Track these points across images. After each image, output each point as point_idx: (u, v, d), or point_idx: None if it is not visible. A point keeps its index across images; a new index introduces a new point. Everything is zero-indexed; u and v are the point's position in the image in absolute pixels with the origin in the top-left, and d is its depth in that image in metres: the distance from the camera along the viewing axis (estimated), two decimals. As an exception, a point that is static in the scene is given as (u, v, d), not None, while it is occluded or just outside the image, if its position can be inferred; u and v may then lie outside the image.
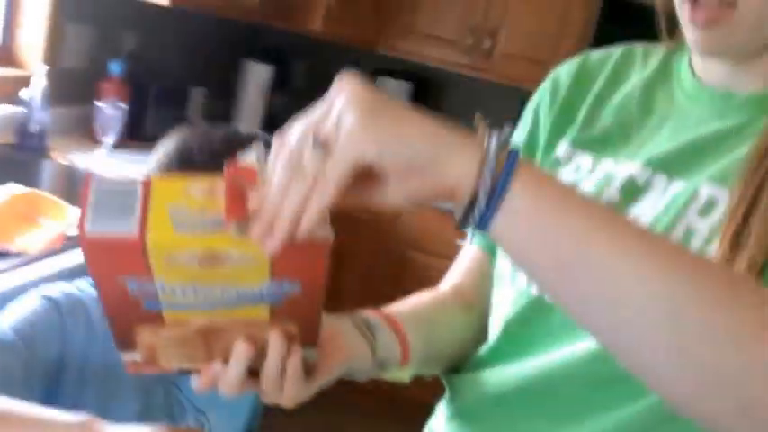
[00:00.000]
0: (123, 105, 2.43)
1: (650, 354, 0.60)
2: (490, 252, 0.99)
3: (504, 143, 0.59)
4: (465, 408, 0.94)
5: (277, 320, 0.67)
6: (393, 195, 0.59)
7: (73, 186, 2.27)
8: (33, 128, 2.23)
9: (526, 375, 0.86)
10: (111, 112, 2.40)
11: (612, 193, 0.87)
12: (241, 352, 0.67)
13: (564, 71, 1.00)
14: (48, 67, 2.26)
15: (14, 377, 0.88)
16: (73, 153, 2.35)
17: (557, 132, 0.97)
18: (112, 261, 0.58)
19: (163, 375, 0.96)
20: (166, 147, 0.97)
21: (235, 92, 3.28)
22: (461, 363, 0.97)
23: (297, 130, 0.59)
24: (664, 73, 0.93)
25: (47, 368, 0.94)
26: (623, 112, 0.93)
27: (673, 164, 0.85)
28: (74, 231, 1.74)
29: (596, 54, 1.00)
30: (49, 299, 0.97)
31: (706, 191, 0.81)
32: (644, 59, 0.96)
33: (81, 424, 0.77)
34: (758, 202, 0.75)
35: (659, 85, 0.93)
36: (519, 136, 1.01)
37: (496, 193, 0.57)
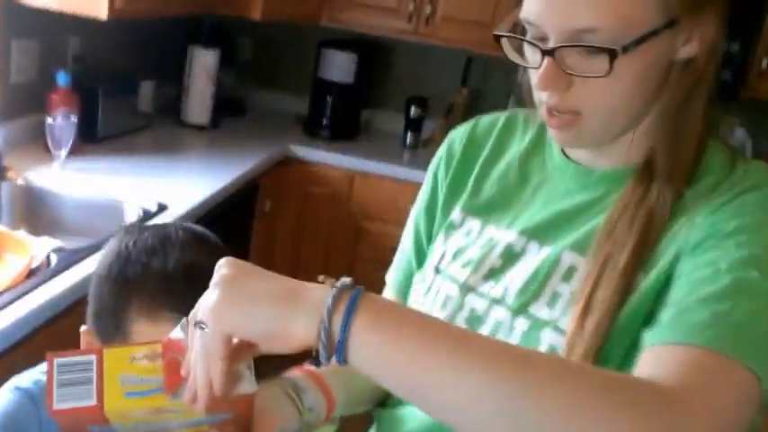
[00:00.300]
0: (73, 117, 2.49)
1: None
2: (402, 297, 1.13)
3: (338, 299, 0.69)
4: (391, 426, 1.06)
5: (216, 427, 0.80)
6: (268, 351, 0.72)
7: (31, 207, 2.36)
8: (-13, 152, 2.30)
9: None
10: (61, 123, 2.46)
11: (495, 258, 0.99)
12: None
13: (457, 137, 1.12)
14: (-4, 89, 2.33)
15: None
16: (29, 170, 2.43)
17: (452, 196, 1.09)
18: (77, 420, 0.72)
19: None
20: (106, 250, 1.06)
21: (183, 79, 3.33)
22: (388, 396, 1.09)
23: (192, 316, 0.72)
24: (538, 144, 1.05)
25: None
26: (504, 181, 1.05)
27: (542, 232, 0.97)
28: (36, 263, 1.85)
29: (485, 120, 1.12)
30: (22, 389, 1.06)
31: (568, 258, 0.93)
32: (524, 128, 1.07)
33: None
34: (603, 275, 0.87)
35: (534, 157, 1.05)
36: (423, 194, 1.14)
37: (339, 348, 0.68)
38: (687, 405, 0.68)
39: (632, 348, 0.83)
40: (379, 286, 1.07)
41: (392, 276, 1.17)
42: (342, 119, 3.58)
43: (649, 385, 0.70)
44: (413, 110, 3.63)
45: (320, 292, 0.70)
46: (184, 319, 0.73)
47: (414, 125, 3.65)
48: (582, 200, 0.96)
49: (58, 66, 2.68)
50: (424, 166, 1.19)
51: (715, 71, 0.90)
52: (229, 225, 2.85)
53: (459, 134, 1.13)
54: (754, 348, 0.74)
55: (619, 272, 0.86)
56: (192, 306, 0.74)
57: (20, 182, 2.38)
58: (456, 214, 1.07)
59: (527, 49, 0.90)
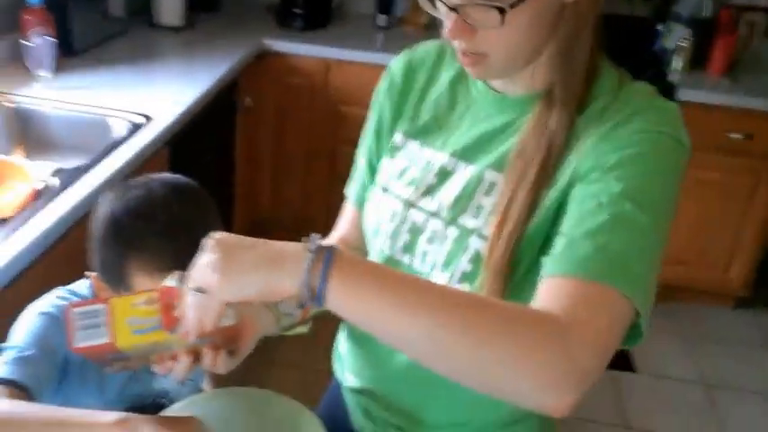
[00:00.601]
0: (51, 37, 2.54)
1: (435, 365, 0.88)
2: (359, 208, 1.29)
3: (316, 259, 0.83)
4: (354, 330, 1.28)
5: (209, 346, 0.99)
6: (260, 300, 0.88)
7: (25, 127, 2.44)
8: (-28, 79, 2.37)
9: None
10: (39, 43, 2.51)
11: (431, 177, 1.14)
12: (185, 360, 0.98)
13: (396, 67, 1.25)
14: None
15: (45, 383, 1.13)
16: (13, 93, 2.50)
17: (393, 122, 1.23)
18: (96, 353, 0.90)
19: None
20: (97, 214, 1.19)
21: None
22: None
23: (189, 278, 0.87)
24: (463, 73, 1.17)
25: (58, 368, 1.18)
26: (437, 106, 1.19)
27: (468, 153, 1.13)
28: (41, 186, 1.96)
29: (420, 51, 1.25)
30: (45, 314, 1.20)
31: (489, 176, 1.09)
32: (452, 57, 1.19)
33: (120, 421, 0.97)
34: (518, 189, 1.02)
35: (461, 84, 1.18)
36: (371, 119, 1.28)
37: (318, 297, 0.84)
38: (574, 333, 0.84)
39: (539, 255, 1.00)
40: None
41: (351, 191, 1.34)
42: (313, 6, 3.59)
43: (545, 316, 0.85)
44: (382, -10, 3.64)
45: (300, 254, 0.84)
46: (177, 273, 0.89)
47: (384, 6, 3.68)
48: (499, 123, 1.11)
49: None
50: (397, 49, 1.31)
51: (598, 8, 1.02)
52: (213, 126, 2.94)
53: (398, 64, 1.25)
54: (626, 276, 0.89)
55: (529, 187, 1.01)
56: (182, 259, 0.91)
57: (6, 104, 2.45)
58: (398, 138, 1.21)
59: (437, 2, 1.01)
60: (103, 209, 1.17)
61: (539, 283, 0.93)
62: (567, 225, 0.96)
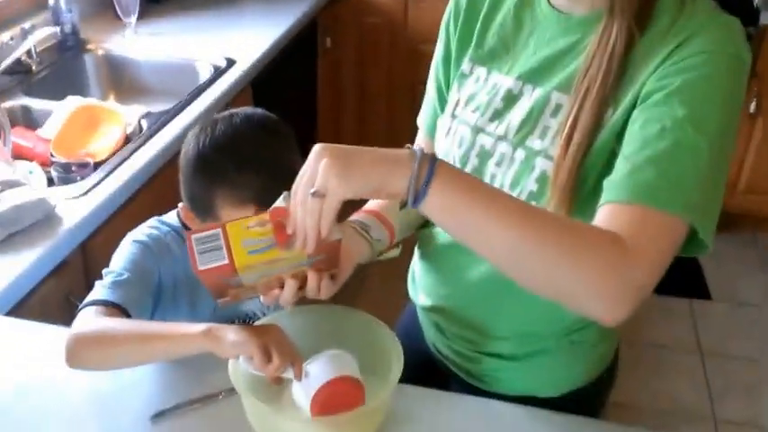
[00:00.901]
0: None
1: (511, 273, 0.95)
2: (431, 136, 1.33)
3: (422, 165, 0.89)
4: (428, 252, 1.33)
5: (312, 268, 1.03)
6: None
7: (116, 73, 2.55)
8: (66, 29, 2.47)
9: None
10: (126, -8, 2.60)
11: (498, 101, 1.16)
12: (292, 284, 1.02)
13: None
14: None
15: (139, 303, 1.22)
16: (105, 41, 2.60)
17: (461, 49, 1.25)
18: (214, 276, 0.95)
19: None
20: (185, 149, 1.25)
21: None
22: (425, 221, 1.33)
23: (299, 186, 0.91)
24: None
25: (152, 290, 1.27)
26: (502, 31, 1.20)
27: (534, 76, 1.14)
28: (130, 130, 2.05)
29: None
30: (140, 242, 1.27)
31: (555, 97, 1.11)
32: None
33: (206, 331, 1.04)
34: (583, 108, 1.04)
35: (526, 7, 1.18)
36: (438, 50, 1.31)
37: (419, 197, 0.89)
38: (635, 254, 0.91)
39: (603, 174, 1.02)
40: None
41: (422, 120, 1.37)
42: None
43: (613, 237, 0.92)
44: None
45: (409, 158, 0.90)
46: (285, 193, 0.94)
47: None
48: (564, 44, 1.12)
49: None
50: None
51: None
52: (295, 66, 2.99)
53: None
54: (686, 201, 0.94)
55: (596, 104, 1.04)
56: (266, 190, 1.01)
57: (100, 53, 2.56)
58: (465, 65, 1.23)
59: None
60: (191, 144, 1.23)
61: (599, 206, 0.98)
62: (630, 149, 0.98)
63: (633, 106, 1.01)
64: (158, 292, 1.29)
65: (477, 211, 0.91)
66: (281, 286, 1.03)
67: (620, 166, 0.98)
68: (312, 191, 0.89)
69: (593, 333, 1.27)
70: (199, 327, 1.06)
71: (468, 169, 1.18)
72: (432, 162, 0.90)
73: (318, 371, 1.05)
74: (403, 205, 0.93)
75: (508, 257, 0.94)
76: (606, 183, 0.99)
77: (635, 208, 0.94)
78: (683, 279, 3.34)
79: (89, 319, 1.14)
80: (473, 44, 1.22)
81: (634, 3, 1.03)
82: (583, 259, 0.91)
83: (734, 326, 3.13)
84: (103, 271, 1.24)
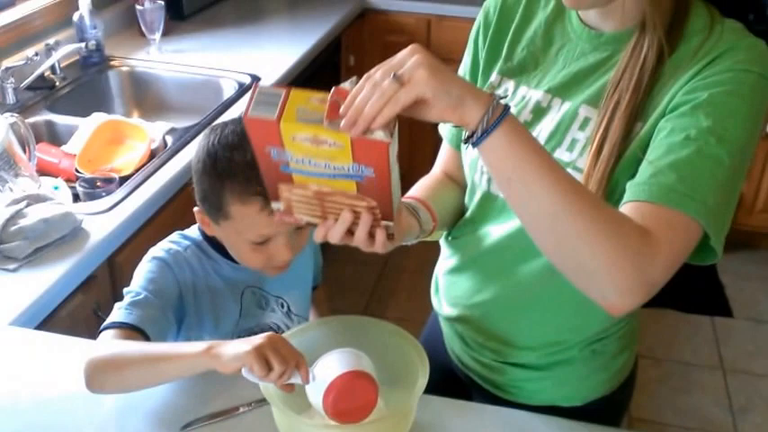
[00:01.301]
0: (160, 1, 2.63)
1: (540, 234, 0.98)
2: (457, 148, 1.36)
3: (497, 106, 0.90)
4: (454, 263, 1.35)
5: (362, 196, 0.98)
6: (431, 115, 0.91)
7: (141, 90, 2.56)
8: (91, 45, 2.48)
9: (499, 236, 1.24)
10: (151, 7, 2.61)
11: (527, 113, 1.19)
12: (345, 217, 1.00)
13: (491, 8, 1.28)
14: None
15: (159, 321, 1.22)
16: (129, 57, 2.61)
17: (489, 62, 1.27)
18: (261, 134, 0.91)
19: (250, 282, 1.33)
20: (197, 149, 1.26)
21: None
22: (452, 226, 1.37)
23: (380, 69, 0.89)
24: (559, 12, 1.21)
25: (173, 303, 1.27)
26: (532, 45, 1.22)
27: (563, 90, 1.17)
28: (155, 145, 2.05)
29: None
30: (159, 258, 1.27)
31: (583, 111, 1.13)
32: None
33: (206, 350, 1.06)
34: (612, 120, 1.07)
35: (557, 22, 1.21)
36: (465, 61, 1.32)
37: (486, 133, 0.91)
38: (655, 250, 0.95)
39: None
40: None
41: (444, 131, 1.39)
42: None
43: (642, 229, 0.96)
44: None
45: (488, 96, 0.91)
46: (354, 78, 0.92)
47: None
48: (594, 60, 1.15)
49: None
50: None
51: None
52: (319, 83, 2.99)
53: (493, 5, 1.28)
54: (703, 206, 0.98)
55: (622, 119, 1.06)
56: None
57: (124, 69, 2.56)
58: (494, 77, 1.25)
59: None
60: (201, 145, 1.25)
61: (621, 205, 1.02)
62: (655, 154, 1.02)
63: (658, 120, 1.05)
64: (181, 306, 1.29)
65: (530, 165, 0.94)
66: (335, 219, 1.03)
67: (644, 169, 1.02)
68: (398, 72, 0.87)
69: (615, 343, 1.30)
70: (200, 346, 1.07)
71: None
72: (506, 109, 0.92)
73: (325, 370, 1.04)
74: (467, 140, 0.94)
75: (544, 217, 0.96)
76: (629, 184, 1.03)
77: (654, 207, 0.98)
78: (705, 297, 3.29)
79: (105, 344, 1.16)
80: (503, 57, 1.24)
81: (666, 18, 1.07)
82: (612, 238, 0.94)
83: (756, 343, 3.16)
84: (124, 290, 1.25)
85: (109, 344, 1.16)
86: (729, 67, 1.03)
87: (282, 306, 1.40)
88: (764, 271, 3.57)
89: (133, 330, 1.17)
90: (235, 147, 1.19)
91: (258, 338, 1.06)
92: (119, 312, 1.20)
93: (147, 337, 1.18)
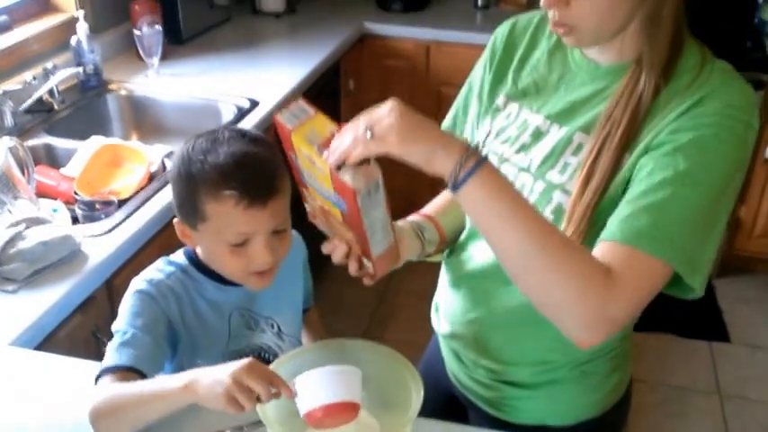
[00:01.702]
0: (158, 25, 2.63)
1: (513, 271, 1.08)
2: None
3: (470, 157, 0.99)
4: (451, 281, 1.41)
5: (345, 226, 1.10)
6: (410, 164, 1.01)
7: (139, 113, 2.56)
8: (89, 69, 2.48)
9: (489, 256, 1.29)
10: (148, 32, 2.60)
11: (526, 136, 1.26)
12: (341, 248, 1.15)
13: (499, 35, 1.37)
14: (83, 11, 2.49)
15: (151, 355, 1.22)
16: (127, 81, 2.62)
17: (495, 85, 1.35)
18: (284, 137, 1.06)
19: (237, 303, 1.34)
20: (174, 157, 1.28)
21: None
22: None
23: (361, 120, 1.00)
24: (561, 43, 1.25)
25: (164, 333, 1.26)
26: (536, 72, 1.30)
27: (561, 116, 1.23)
28: (154, 168, 2.04)
29: (522, 20, 1.36)
30: (141, 291, 1.27)
31: (577, 138, 1.20)
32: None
33: (185, 386, 1.07)
34: (602, 151, 1.13)
35: (560, 53, 1.28)
36: (474, 80, 1.40)
37: (458, 185, 1.00)
38: (617, 291, 1.03)
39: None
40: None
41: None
42: (412, -13, 3.60)
43: (605, 269, 1.04)
44: (480, -30, 3.63)
45: (461, 148, 1.00)
46: (352, 122, 1.02)
47: (483, -15, 3.66)
48: (591, 89, 1.21)
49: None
50: (495, 27, 1.39)
51: None
52: (318, 107, 2.99)
53: (501, 33, 1.37)
54: (674, 249, 1.05)
55: (615, 147, 1.12)
56: (246, 182, 1.17)
57: (122, 93, 2.57)
58: (500, 100, 1.33)
59: None
60: (178, 151, 1.27)
61: (598, 241, 1.09)
62: (632, 194, 1.09)
63: (645, 152, 1.11)
64: (173, 333, 1.29)
65: (503, 212, 1.03)
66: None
67: (622, 207, 1.09)
68: (370, 131, 0.98)
69: (605, 364, 1.34)
70: (180, 381, 1.09)
71: None
72: (479, 160, 1.00)
73: (305, 392, 1.06)
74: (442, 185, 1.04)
75: (515, 256, 1.06)
76: (609, 220, 1.09)
77: (625, 248, 1.05)
78: (702, 322, 3.38)
79: (103, 391, 1.17)
80: (509, 82, 1.32)
81: (663, 59, 1.12)
82: (576, 278, 1.03)
83: (752, 369, 3.16)
84: (112, 328, 1.25)
85: (105, 391, 1.16)
86: (717, 110, 1.09)
87: (273, 327, 1.41)
88: (762, 296, 3.58)
89: (129, 371, 1.18)
90: (207, 151, 1.22)
91: (229, 365, 1.06)
92: (111, 356, 1.20)
93: (141, 375, 1.18)
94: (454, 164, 0.99)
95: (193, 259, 1.33)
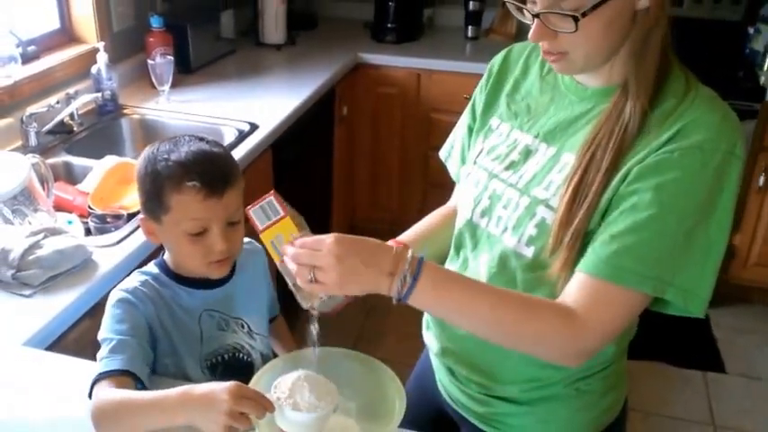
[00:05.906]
0: (170, 56, 2.86)
1: (484, 338, 1.19)
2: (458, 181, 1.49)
3: (408, 272, 1.10)
4: None
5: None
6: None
7: (150, 135, 2.74)
8: (106, 95, 2.71)
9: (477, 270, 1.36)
10: (161, 62, 2.83)
11: (515, 154, 1.30)
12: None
13: (496, 62, 1.43)
14: (103, 43, 2.71)
15: (140, 356, 1.28)
16: (140, 106, 2.83)
17: (489, 107, 1.41)
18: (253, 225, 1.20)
19: (206, 305, 1.42)
20: (140, 158, 1.38)
21: (257, 3, 3.63)
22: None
23: (304, 257, 1.11)
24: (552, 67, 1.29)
25: (146, 335, 1.32)
26: (528, 95, 1.35)
27: (549, 136, 1.27)
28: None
29: (516, 48, 1.42)
30: (119, 300, 1.33)
31: (564, 157, 1.23)
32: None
33: (179, 397, 1.12)
34: (587, 172, 1.16)
35: (550, 76, 1.33)
36: (472, 103, 1.46)
37: (404, 298, 1.11)
38: (585, 324, 1.12)
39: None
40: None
41: (454, 169, 1.53)
42: (405, 21, 3.80)
43: (565, 310, 1.12)
44: (471, 3, 3.82)
45: (399, 264, 1.11)
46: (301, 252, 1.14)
47: (473, 18, 3.85)
48: (579, 111, 1.25)
49: (150, 10, 3.03)
50: (485, 57, 1.46)
51: (667, 13, 1.15)
52: (313, 131, 3.20)
53: (498, 59, 1.44)
54: (644, 277, 1.10)
55: (602, 170, 1.14)
56: (206, 174, 1.27)
57: (135, 117, 2.78)
58: (494, 121, 1.38)
59: (524, 11, 1.17)
60: (144, 153, 1.37)
61: (577, 269, 1.15)
62: (607, 223, 1.13)
63: (626, 175, 1.13)
64: (152, 336, 1.36)
65: (454, 304, 1.15)
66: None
67: (599, 235, 1.14)
68: (312, 276, 1.09)
69: (600, 382, 1.35)
70: (175, 392, 1.15)
71: (479, 209, 1.33)
72: (417, 269, 1.11)
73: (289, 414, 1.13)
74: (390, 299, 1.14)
75: (483, 331, 1.17)
76: (588, 250, 1.14)
77: (596, 281, 1.12)
78: (697, 351, 3.35)
79: (104, 394, 1.21)
80: (502, 104, 1.38)
81: (649, 86, 1.15)
82: (538, 332, 1.13)
83: (747, 399, 3.11)
84: (99, 338, 1.32)
85: (109, 393, 1.21)
86: (697, 143, 1.09)
87: (243, 327, 1.47)
88: (758, 325, 3.53)
89: (122, 375, 1.24)
90: (171, 151, 1.33)
91: (219, 418, 1.09)
92: (103, 363, 1.26)
93: (134, 377, 1.24)
94: (394, 287, 1.10)
95: (164, 267, 1.41)
